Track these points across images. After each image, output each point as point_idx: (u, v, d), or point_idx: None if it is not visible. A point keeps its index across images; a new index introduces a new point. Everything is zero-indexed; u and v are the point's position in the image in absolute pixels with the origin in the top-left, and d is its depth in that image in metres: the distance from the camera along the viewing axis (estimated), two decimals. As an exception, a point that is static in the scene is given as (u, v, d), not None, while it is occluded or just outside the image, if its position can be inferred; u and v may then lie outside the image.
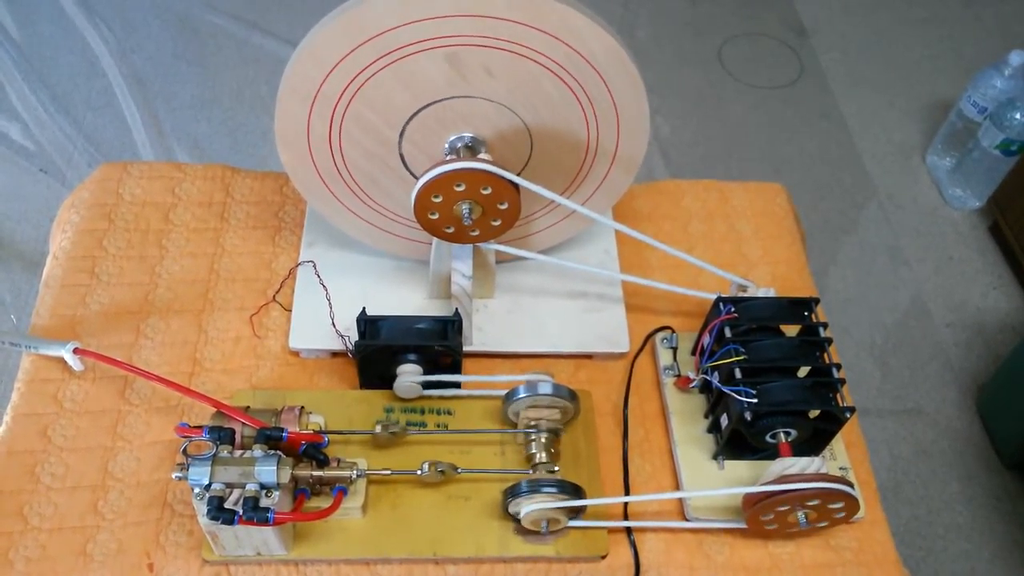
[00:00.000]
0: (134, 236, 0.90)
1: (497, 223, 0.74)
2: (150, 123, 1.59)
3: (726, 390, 0.71)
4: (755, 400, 0.69)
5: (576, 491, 0.68)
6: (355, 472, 0.67)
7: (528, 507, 0.67)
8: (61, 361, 0.78)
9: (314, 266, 0.86)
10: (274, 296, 0.86)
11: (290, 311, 0.84)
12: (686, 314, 0.88)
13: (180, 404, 0.78)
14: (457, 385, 0.78)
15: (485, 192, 0.70)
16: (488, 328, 0.83)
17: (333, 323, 0.82)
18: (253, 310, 0.85)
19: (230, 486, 0.62)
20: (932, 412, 1.36)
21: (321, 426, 0.73)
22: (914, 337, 1.44)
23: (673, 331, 0.84)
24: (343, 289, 0.84)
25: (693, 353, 0.82)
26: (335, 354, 0.82)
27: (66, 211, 0.94)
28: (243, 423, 0.67)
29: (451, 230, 0.74)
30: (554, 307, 0.86)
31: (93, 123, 1.59)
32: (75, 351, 0.77)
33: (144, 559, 0.68)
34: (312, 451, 0.66)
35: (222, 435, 0.64)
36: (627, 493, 0.75)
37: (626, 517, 0.73)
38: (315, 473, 0.66)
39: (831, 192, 1.66)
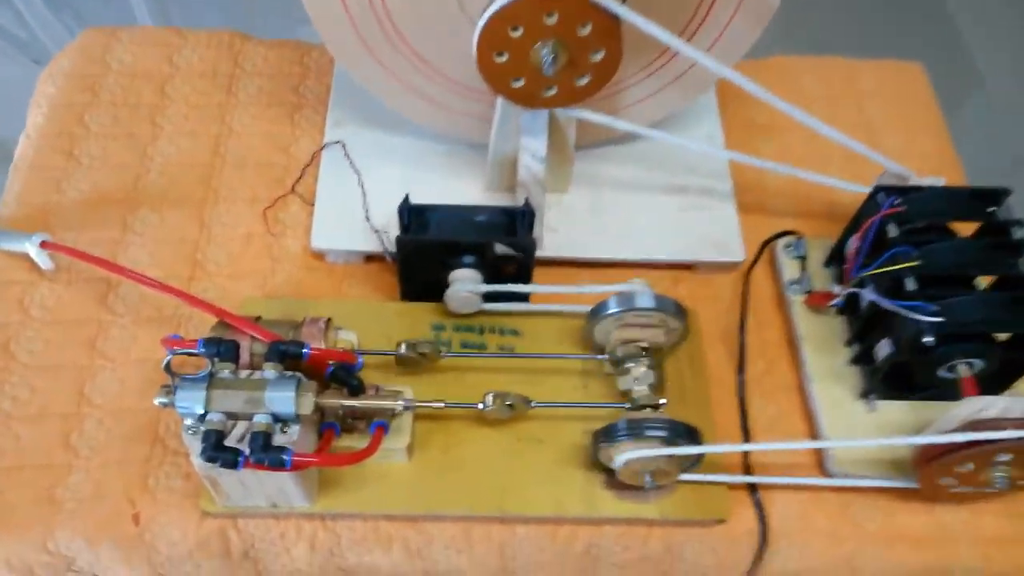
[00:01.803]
0: (122, 111, 0.72)
1: (584, 81, 0.55)
2: (157, 11, 1.41)
3: (895, 306, 0.53)
4: (941, 319, 0.51)
5: (692, 435, 0.51)
6: (400, 403, 0.50)
7: (628, 454, 0.50)
8: (28, 259, 0.62)
9: (343, 147, 0.68)
10: (293, 186, 0.69)
11: (312, 204, 0.66)
12: (813, 216, 0.69)
13: (176, 314, 0.62)
14: (525, 298, 0.61)
15: (576, 31, 0.52)
16: (563, 229, 0.66)
17: (367, 217, 0.64)
18: (267, 202, 0.68)
19: (233, 417, 0.46)
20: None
21: (353, 345, 0.56)
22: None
23: (800, 236, 0.66)
24: (379, 180, 0.67)
25: (828, 264, 0.64)
26: (369, 258, 0.65)
27: (43, 84, 0.77)
28: (252, 336, 0.51)
29: (520, 83, 0.56)
30: (646, 204, 0.67)
31: (94, 10, 1.41)
32: (43, 245, 0.61)
33: (127, 508, 0.53)
34: (342, 374, 0.50)
35: (222, 349, 0.47)
36: (746, 439, 0.58)
37: (748, 471, 0.56)
38: (347, 403, 0.50)
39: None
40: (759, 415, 0.60)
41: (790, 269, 0.65)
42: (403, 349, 0.56)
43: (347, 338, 0.56)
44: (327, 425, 0.51)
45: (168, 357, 0.44)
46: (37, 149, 0.70)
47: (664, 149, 0.70)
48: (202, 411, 0.45)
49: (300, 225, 0.67)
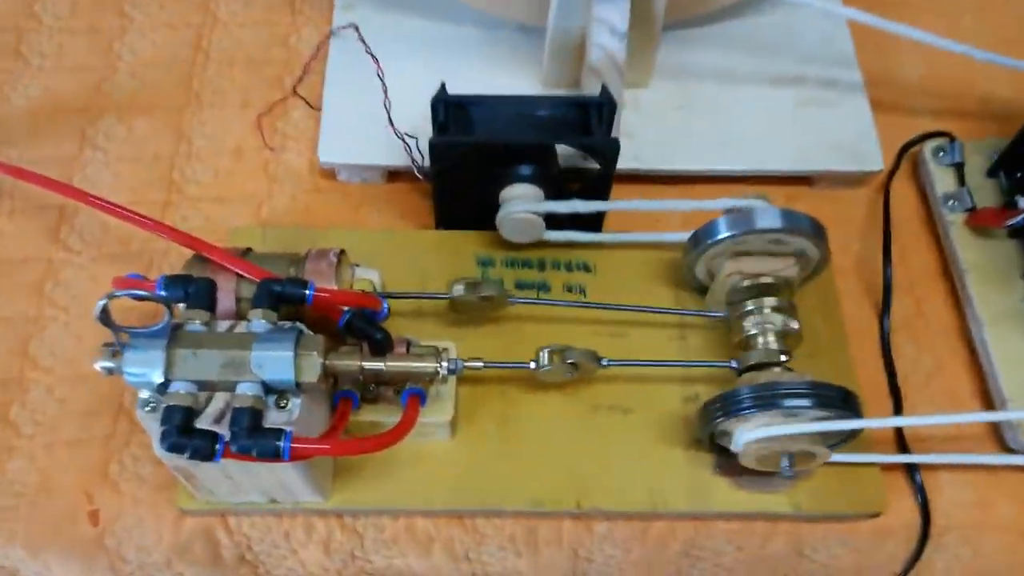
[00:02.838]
0: (82, 0, 0.58)
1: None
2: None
3: None
4: None
5: (850, 403, 0.37)
6: (441, 363, 0.36)
7: (758, 432, 0.36)
8: (-41, 182, 0.49)
9: (357, 31, 0.53)
10: (295, 87, 0.54)
11: (319, 109, 0.52)
12: (963, 115, 0.54)
13: (146, 248, 0.48)
14: (599, 223, 0.47)
15: None
16: (642, 134, 0.51)
17: (390, 121, 0.50)
18: (263, 108, 0.53)
19: (207, 387, 0.32)
20: None
21: (375, 286, 0.43)
22: None
23: (953, 138, 0.50)
24: (403, 76, 0.52)
25: (993, 172, 0.49)
26: (393, 175, 0.51)
27: (-12, -26, 0.62)
28: (238, 275, 0.37)
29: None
30: (751, 100, 0.52)
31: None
32: (-28, 161, 0.47)
33: (83, 503, 0.40)
34: (362, 325, 0.36)
35: (191, 291, 0.33)
36: (896, 403, 0.44)
37: (903, 448, 0.42)
38: (369, 364, 0.36)
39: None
40: (911, 369, 0.45)
41: (944, 180, 0.49)
42: (460, 290, 0.42)
43: (366, 277, 0.42)
44: (342, 394, 0.37)
45: (103, 301, 0.30)
46: (-24, 47, 0.56)
47: (771, 29, 0.54)
48: (162, 379, 0.31)
49: (304, 136, 0.53)
